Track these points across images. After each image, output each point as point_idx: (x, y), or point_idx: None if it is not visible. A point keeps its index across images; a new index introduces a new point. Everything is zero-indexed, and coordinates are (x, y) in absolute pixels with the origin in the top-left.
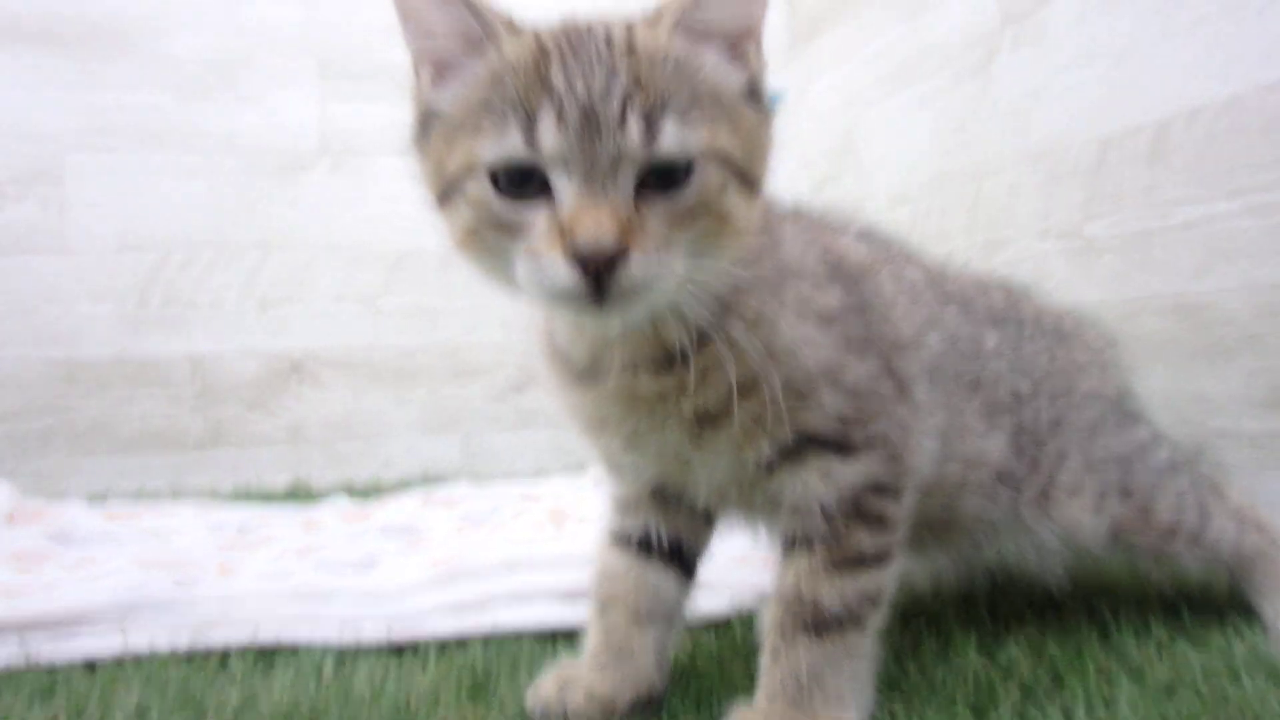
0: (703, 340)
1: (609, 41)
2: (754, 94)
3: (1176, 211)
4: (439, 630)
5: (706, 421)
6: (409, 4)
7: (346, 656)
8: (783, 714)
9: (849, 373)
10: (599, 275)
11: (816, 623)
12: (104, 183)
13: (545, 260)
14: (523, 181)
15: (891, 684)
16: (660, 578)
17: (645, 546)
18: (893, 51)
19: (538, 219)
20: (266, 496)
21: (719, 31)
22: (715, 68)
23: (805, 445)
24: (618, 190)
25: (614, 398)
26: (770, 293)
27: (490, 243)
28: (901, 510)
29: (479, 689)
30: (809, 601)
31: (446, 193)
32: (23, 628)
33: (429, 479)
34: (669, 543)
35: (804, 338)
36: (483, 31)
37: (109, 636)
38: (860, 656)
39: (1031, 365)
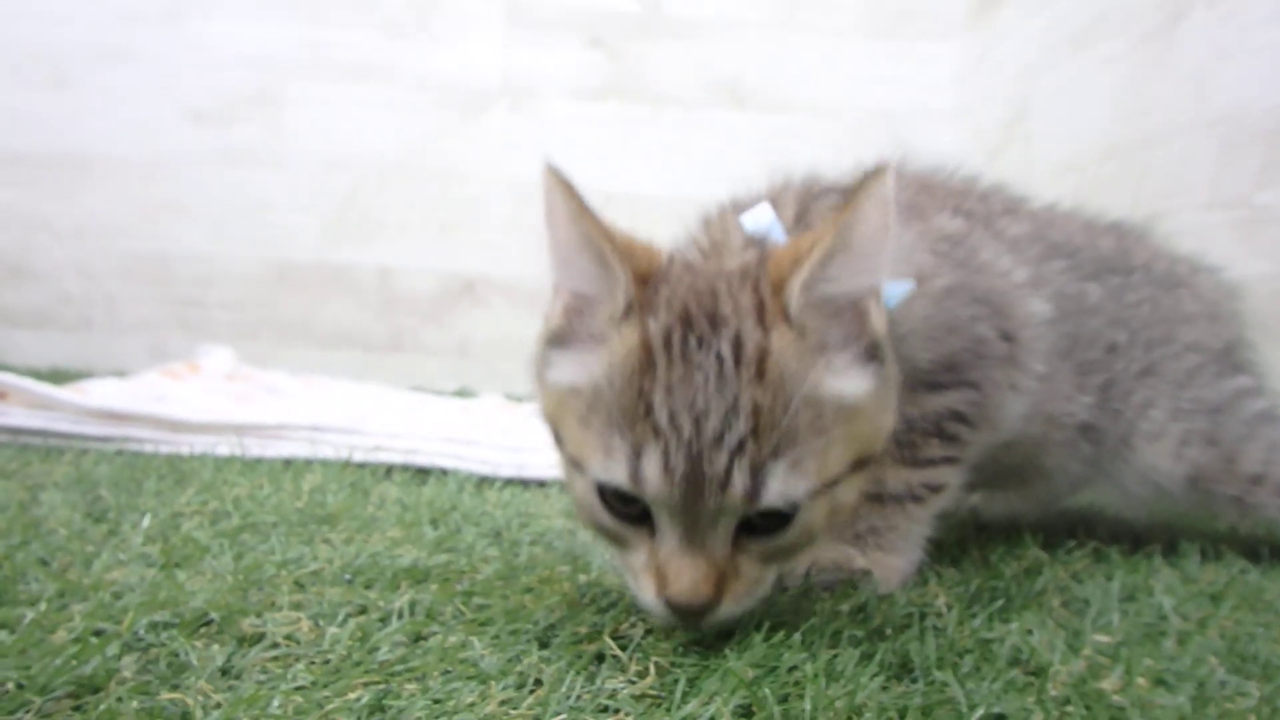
0: None
1: (737, 352)
2: (873, 355)
3: None
4: (560, 476)
5: None
6: (559, 227)
7: (485, 483)
8: (833, 546)
9: (947, 354)
10: (693, 617)
11: (880, 496)
12: (315, 109)
13: (641, 587)
14: (628, 502)
15: (952, 561)
16: None
17: None
18: (1073, 14)
19: (639, 542)
20: (437, 394)
21: (848, 303)
22: (842, 375)
23: None
24: (715, 540)
25: None
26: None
27: (597, 529)
28: (976, 436)
29: None
30: (873, 479)
31: (557, 440)
32: (239, 430)
33: None
34: None
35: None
36: (606, 291)
37: (301, 445)
38: (915, 521)
39: (1132, 315)
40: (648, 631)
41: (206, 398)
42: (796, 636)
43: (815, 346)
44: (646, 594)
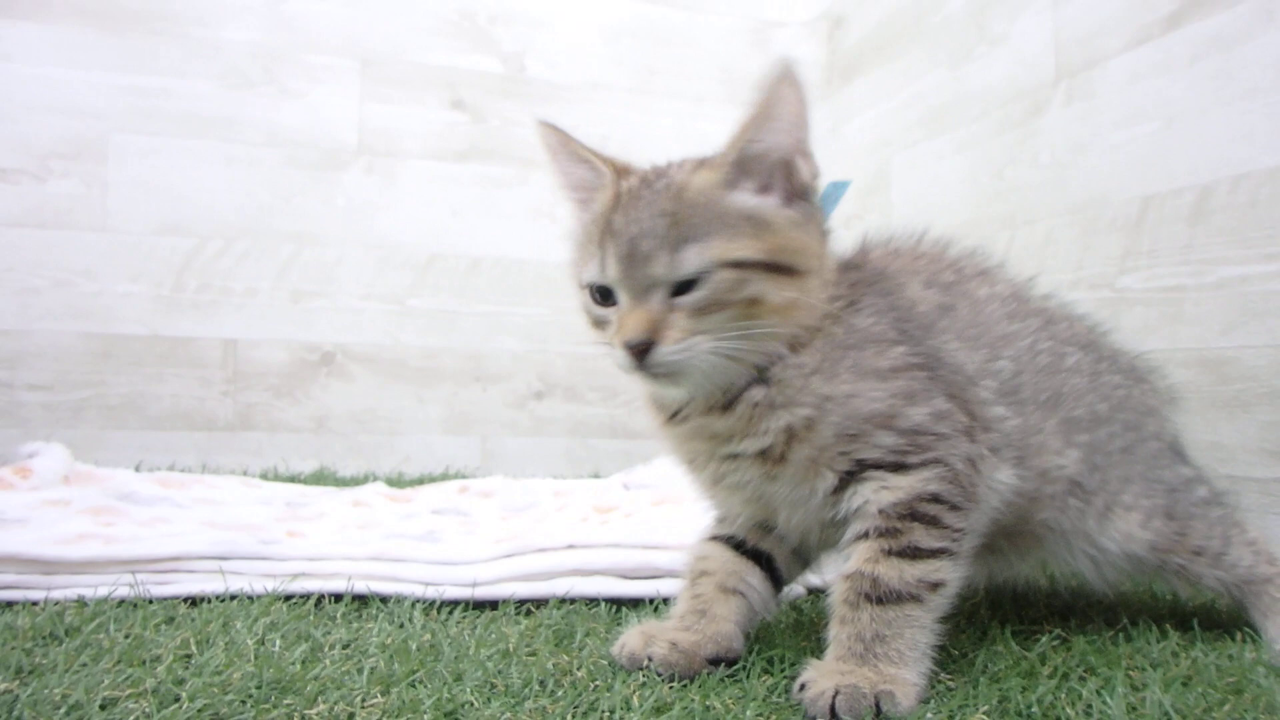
0: (759, 385)
1: (667, 186)
2: (801, 197)
3: (1212, 270)
4: (516, 593)
5: (770, 459)
6: (557, 158)
7: (432, 609)
8: (848, 669)
9: (905, 419)
10: (640, 356)
11: (879, 595)
12: (146, 165)
13: (615, 345)
14: (605, 295)
15: (939, 663)
16: (748, 567)
17: (739, 545)
18: (933, 96)
19: (612, 318)
20: (293, 480)
21: (765, 163)
22: (747, 198)
23: (864, 468)
24: (652, 300)
25: (694, 434)
26: (835, 348)
27: (595, 330)
28: (962, 519)
29: (565, 640)
30: (869, 576)
31: (580, 288)
32: (130, 566)
33: (448, 477)
34: (761, 552)
35: (859, 390)
36: (597, 183)
37: (210, 579)
38: (920, 627)
39: (1109, 393)
40: None
41: (50, 512)
42: None
43: (730, 183)
44: (617, 349)
